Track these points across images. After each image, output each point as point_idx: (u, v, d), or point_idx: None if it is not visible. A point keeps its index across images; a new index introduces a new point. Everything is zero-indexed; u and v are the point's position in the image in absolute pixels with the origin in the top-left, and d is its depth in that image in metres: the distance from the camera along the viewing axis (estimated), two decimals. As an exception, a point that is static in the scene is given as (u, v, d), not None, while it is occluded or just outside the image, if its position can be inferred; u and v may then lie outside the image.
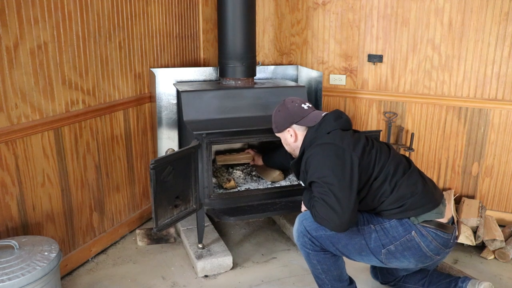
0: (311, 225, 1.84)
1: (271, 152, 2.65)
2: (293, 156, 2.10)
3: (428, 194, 1.78)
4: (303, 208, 2.01)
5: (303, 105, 1.99)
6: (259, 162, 2.74)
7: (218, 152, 2.93)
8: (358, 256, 1.85)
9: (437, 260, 1.85)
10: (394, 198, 1.76)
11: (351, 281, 1.98)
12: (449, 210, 1.85)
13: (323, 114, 1.94)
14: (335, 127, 1.86)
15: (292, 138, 1.98)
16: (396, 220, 1.78)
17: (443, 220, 1.78)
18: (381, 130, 2.68)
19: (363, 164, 1.76)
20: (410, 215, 1.75)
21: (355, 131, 1.94)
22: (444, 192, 2.87)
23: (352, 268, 2.23)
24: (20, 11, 1.87)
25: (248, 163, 2.93)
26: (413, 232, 1.74)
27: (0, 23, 1.80)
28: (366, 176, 1.77)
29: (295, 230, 1.92)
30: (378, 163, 1.79)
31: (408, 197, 1.75)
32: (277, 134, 2.09)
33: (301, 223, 1.89)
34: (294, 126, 1.96)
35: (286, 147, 2.08)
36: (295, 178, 2.67)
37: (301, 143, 1.94)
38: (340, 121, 1.89)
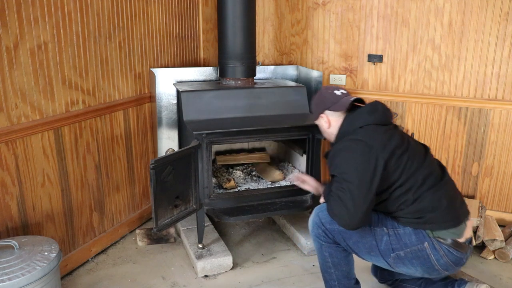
0: (326, 218, 1.84)
1: None
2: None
3: (451, 213, 1.73)
4: (322, 199, 1.97)
5: (336, 91, 1.92)
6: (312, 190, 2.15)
7: (214, 160, 2.83)
8: (367, 255, 1.84)
9: (444, 275, 1.84)
10: (414, 209, 1.72)
11: (357, 282, 1.98)
12: (469, 230, 1.79)
13: (351, 99, 1.87)
14: (369, 122, 1.79)
15: (327, 124, 1.92)
16: (411, 228, 1.75)
17: (461, 239, 1.74)
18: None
19: (389, 168, 1.70)
20: (426, 228, 1.72)
21: (395, 127, 1.86)
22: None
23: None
24: (20, 11, 1.87)
25: (248, 164, 2.93)
26: (425, 244, 1.72)
27: (0, 23, 1.80)
28: (390, 181, 1.72)
29: (310, 221, 1.91)
30: (406, 171, 1.72)
31: (428, 211, 1.71)
32: (316, 123, 2.02)
33: (317, 214, 1.88)
34: (327, 112, 1.90)
35: (324, 135, 2.01)
36: (295, 178, 2.67)
37: (336, 130, 1.89)
38: (376, 115, 1.81)
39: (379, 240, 1.78)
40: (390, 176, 1.71)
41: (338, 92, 1.92)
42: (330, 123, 1.91)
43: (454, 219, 1.73)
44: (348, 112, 1.88)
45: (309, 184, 2.11)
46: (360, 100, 1.91)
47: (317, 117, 1.96)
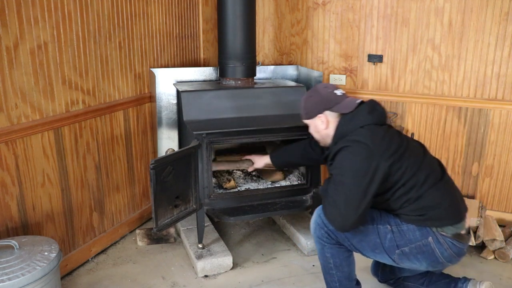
0: None
1: (280, 150, 2.43)
2: (322, 144, 2.00)
3: (453, 209, 1.74)
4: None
5: (336, 91, 1.89)
6: (260, 164, 2.50)
7: (214, 159, 2.85)
8: (372, 253, 1.84)
9: (447, 266, 1.85)
10: (416, 207, 1.72)
11: (358, 283, 1.98)
12: (468, 220, 1.81)
13: (357, 102, 1.85)
14: (369, 121, 1.77)
15: (323, 125, 1.87)
16: (414, 225, 1.76)
17: (463, 232, 1.76)
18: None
19: (391, 170, 1.70)
20: (429, 225, 1.72)
21: (390, 127, 1.86)
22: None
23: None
24: (20, 11, 1.87)
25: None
26: (429, 238, 1.73)
27: (0, 23, 1.80)
28: (392, 183, 1.72)
29: (312, 222, 1.89)
30: (408, 171, 1.71)
31: (431, 209, 1.71)
32: (305, 121, 1.97)
33: (319, 215, 1.87)
34: (327, 112, 1.86)
35: (315, 135, 1.98)
36: (295, 178, 2.67)
37: (332, 131, 1.85)
38: (375, 115, 1.80)
39: (383, 238, 1.78)
40: (392, 177, 1.71)
41: (338, 92, 1.89)
42: (328, 123, 1.87)
43: (457, 216, 1.74)
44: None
45: (258, 163, 2.48)
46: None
47: (312, 117, 1.91)
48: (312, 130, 1.98)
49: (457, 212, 1.75)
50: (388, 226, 1.78)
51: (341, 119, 1.84)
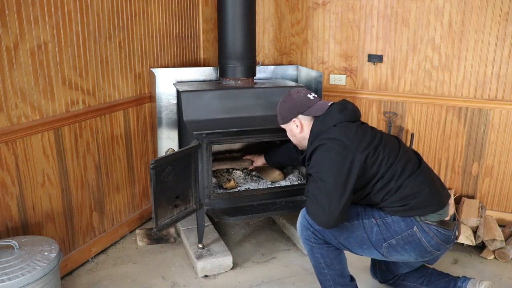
0: None
1: (273, 151, 2.58)
2: (299, 147, 2.07)
3: (434, 196, 1.76)
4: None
5: (308, 95, 1.96)
6: (259, 163, 2.68)
7: (215, 159, 2.88)
8: (360, 249, 1.85)
9: (437, 255, 1.86)
10: (398, 197, 1.75)
11: (352, 279, 1.98)
12: (452, 208, 1.83)
13: (329, 104, 1.91)
14: (341, 120, 1.82)
15: (298, 129, 1.94)
16: (398, 216, 1.77)
17: (446, 218, 1.78)
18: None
19: (367, 163, 1.73)
20: (413, 214, 1.74)
21: (362, 123, 1.90)
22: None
23: (352, 267, 2.23)
24: (20, 11, 1.87)
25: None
26: (414, 228, 1.74)
27: (0, 23, 1.80)
28: (370, 176, 1.75)
29: (298, 224, 1.92)
30: (385, 163, 1.75)
31: (412, 198, 1.74)
32: (282, 126, 2.05)
33: (304, 217, 1.89)
34: (300, 116, 1.93)
35: (292, 139, 2.05)
36: (295, 178, 2.67)
37: (307, 134, 1.91)
38: (346, 112, 1.85)
39: (369, 232, 1.79)
40: (369, 171, 1.74)
41: (311, 96, 1.96)
42: (302, 127, 1.93)
43: (438, 202, 1.76)
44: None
45: (257, 162, 2.65)
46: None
47: (287, 121, 1.98)
48: (289, 134, 2.05)
49: (438, 198, 1.77)
50: (373, 220, 1.80)
51: (315, 121, 1.90)
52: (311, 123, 1.91)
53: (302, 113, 1.92)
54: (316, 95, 1.99)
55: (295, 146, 2.18)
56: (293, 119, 1.95)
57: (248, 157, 2.71)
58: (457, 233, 1.85)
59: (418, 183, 1.75)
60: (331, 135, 1.78)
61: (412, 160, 1.81)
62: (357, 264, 2.11)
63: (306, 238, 1.88)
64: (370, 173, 1.75)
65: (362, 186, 1.77)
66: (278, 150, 2.53)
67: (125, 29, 2.50)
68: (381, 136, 1.84)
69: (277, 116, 2.05)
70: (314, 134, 1.87)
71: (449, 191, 2.88)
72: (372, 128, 1.89)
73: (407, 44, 2.90)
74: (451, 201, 1.84)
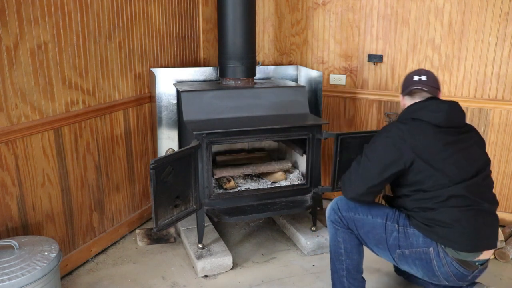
0: (343, 205, 1.92)
1: None
2: None
3: (465, 239, 1.67)
4: None
5: (415, 77, 1.92)
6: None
7: (218, 163, 2.84)
8: (375, 247, 1.88)
9: (444, 284, 1.82)
10: (427, 216, 1.72)
11: (363, 279, 2.00)
12: (486, 255, 1.73)
13: (413, 88, 1.88)
14: (422, 117, 1.77)
15: (401, 105, 2.00)
16: (419, 231, 1.75)
17: (468, 259, 1.72)
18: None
19: (414, 167, 1.71)
20: (434, 238, 1.71)
21: (466, 131, 1.80)
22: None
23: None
24: (20, 11, 1.87)
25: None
26: (431, 248, 1.72)
27: (0, 23, 1.80)
28: (413, 180, 1.74)
29: (328, 208, 1.99)
30: (434, 180, 1.69)
31: (440, 225, 1.69)
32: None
33: (336, 202, 1.96)
34: (401, 95, 2.00)
35: None
36: (295, 178, 2.67)
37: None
38: (432, 114, 1.76)
39: (388, 235, 1.81)
40: (414, 175, 1.73)
41: (416, 78, 1.92)
42: (403, 104, 1.98)
43: (467, 246, 1.69)
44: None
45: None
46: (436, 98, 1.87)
47: (401, 94, 2.01)
48: None
49: (469, 243, 1.68)
50: (396, 225, 1.81)
51: (409, 106, 1.89)
52: (408, 104, 1.91)
53: (401, 92, 1.99)
54: (425, 78, 1.89)
55: None
56: (401, 96, 2.00)
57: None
58: (477, 276, 1.76)
59: (455, 218, 1.68)
60: (401, 125, 1.79)
61: (470, 198, 1.69)
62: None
63: (332, 221, 1.94)
64: (415, 178, 1.73)
65: (402, 183, 1.79)
66: None
67: (125, 29, 2.50)
68: (459, 156, 1.72)
69: None
70: (400, 116, 1.91)
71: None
72: (466, 145, 1.76)
73: (407, 44, 2.90)
74: (488, 252, 1.73)
